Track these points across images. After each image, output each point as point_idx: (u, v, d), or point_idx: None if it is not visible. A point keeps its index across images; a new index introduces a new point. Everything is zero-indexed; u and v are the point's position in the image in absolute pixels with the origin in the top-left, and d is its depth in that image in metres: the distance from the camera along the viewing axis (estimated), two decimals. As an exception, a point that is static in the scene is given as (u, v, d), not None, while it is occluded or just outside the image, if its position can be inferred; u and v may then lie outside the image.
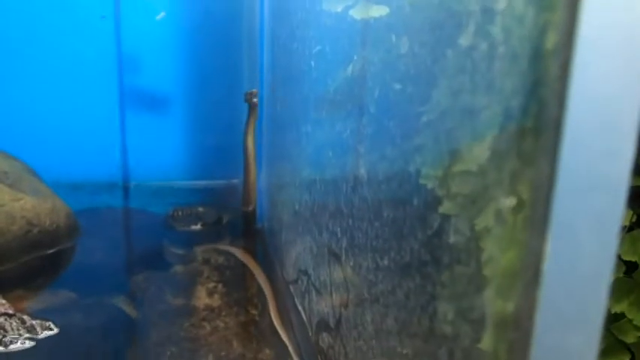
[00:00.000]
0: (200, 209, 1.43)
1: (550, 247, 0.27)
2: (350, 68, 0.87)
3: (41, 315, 0.95)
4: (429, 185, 0.67)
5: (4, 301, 0.93)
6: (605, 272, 0.28)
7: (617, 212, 0.28)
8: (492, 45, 0.42)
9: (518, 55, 0.39)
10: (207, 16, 1.55)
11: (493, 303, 0.35)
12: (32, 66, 1.51)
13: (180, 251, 1.20)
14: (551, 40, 0.28)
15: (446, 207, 0.53)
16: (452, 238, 0.41)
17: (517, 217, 0.32)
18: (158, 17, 1.53)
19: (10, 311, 0.92)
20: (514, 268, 0.31)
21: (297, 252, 0.93)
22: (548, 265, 0.27)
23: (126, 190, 1.63)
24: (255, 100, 1.31)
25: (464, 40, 0.55)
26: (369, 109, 0.79)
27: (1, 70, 1.50)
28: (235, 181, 1.63)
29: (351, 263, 0.63)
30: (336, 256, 0.69)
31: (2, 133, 1.45)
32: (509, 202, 0.33)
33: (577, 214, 0.27)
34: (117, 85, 1.56)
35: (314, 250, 0.80)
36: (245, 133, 1.36)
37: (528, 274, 0.28)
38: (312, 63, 0.79)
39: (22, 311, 0.95)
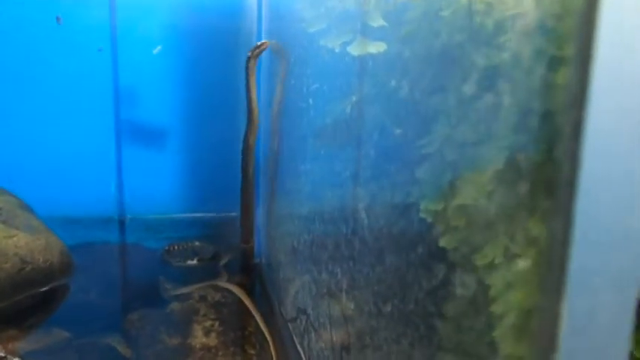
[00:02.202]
0: (196, 244, 1.41)
1: (567, 310, 0.26)
2: (347, 104, 0.86)
3: (34, 356, 0.93)
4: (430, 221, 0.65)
5: (-5, 343, 0.91)
6: (624, 334, 0.27)
7: (637, 269, 0.26)
8: (498, 97, 0.41)
9: (527, 109, 0.38)
10: (205, 50, 1.55)
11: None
12: (27, 99, 1.50)
13: (176, 288, 1.18)
14: (562, 96, 0.27)
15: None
16: (459, 291, 0.40)
17: (531, 278, 0.30)
18: (155, 51, 1.53)
19: (2, 353, 0.90)
20: (527, 328, 0.30)
21: (296, 290, 0.91)
22: (566, 330, 0.26)
23: (122, 224, 1.62)
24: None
25: (468, 89, 0.54)
26: (367, 144, 0.78)
27: (-4, 105, 1.49)
28: (233, 214, 1.62)
29: (352, 306, 0.62)
30: (336, 298, 0.67)
31: (-3, 167, 1.44)
32: (524, 263, 0.31)
33: (595, 272, 0.26)
34: (113, 118, 1.56)
35: (313, 290, 0.78)
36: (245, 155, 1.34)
37: (544, 339, 0.27)
38: (310, 101, 0.78)
39: (14, 353, 0.92)
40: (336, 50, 0.78)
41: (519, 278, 0.36)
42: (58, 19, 1.45)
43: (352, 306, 0.62)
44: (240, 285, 1.18)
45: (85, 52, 1.49)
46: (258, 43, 1.21)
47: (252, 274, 1.30)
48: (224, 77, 1.55)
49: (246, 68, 1.23)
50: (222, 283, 1.19)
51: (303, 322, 0.85)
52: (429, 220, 0.75)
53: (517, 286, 0.36)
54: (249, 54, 1.21)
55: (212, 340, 0.98)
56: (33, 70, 1.48)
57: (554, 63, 0.34)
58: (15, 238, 1.12)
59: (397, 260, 0.64)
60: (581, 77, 0.25)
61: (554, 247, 0.27)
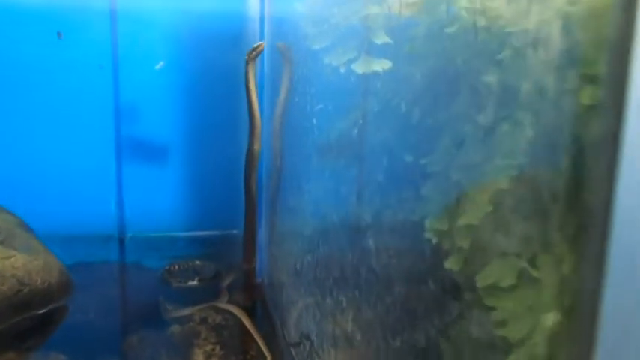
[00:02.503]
0: (197, 263, 1.38)
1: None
2: (351, 121, 0.84)
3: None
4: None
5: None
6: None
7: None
8: (519, 127, 0.39)
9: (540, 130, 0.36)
10: (207, 65, 1.53)
11: None
12: (27, 114, 1.48)
13: (176, 310, 1.16)
14: (594, 134, 0.25)
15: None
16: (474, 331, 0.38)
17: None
18: (157, 67, 1.51)
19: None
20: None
21: (299, 313, 0.89)
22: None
23: (121, 242, 1.59)
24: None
25: (483, 119, 0.53)
26: (371, 162, 0.76)
27: (-4, 122, 1.48)
28: (234, 231, 1.59)
29: (359, 337, 0.59)
30: (341, 327, 0.65)
31: (-5, 185, 1.42)
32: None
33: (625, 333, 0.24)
34: (114, 135, 1.54)
35: (317, 315, 0.75)
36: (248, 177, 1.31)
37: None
38: (314, 121, 0.76)
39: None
40: (341, 68, 0.77)
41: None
42: (59, 34, 1.44)
43: (359, 335, 0.60)
44: (242, 306, 1.15)
45: (85, 68, 1.47)
46: (255, 45, 1.20)
47: (254, 295, 1.28)
48: (226, 93, 1.53)
49: (245, 72, 1.21)
50: (223, 305, 1.16)
51: (307, 348, 0.82)
52: (435, 239, 0.72)
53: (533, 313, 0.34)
54: (246, 57, 1.20)
55: (213, 365, 0.96)
56: (33, 86, 1.46)
57: (581, 83, 0.32)
58: (13, 259, 1.09)
59: (404, 285, 0.62)
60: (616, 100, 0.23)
61: (585, 300, 0.25)
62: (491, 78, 0.70)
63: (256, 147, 1.25)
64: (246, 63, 1.20)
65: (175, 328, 1.07)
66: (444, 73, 0.77)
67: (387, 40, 0.74)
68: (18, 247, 1.15)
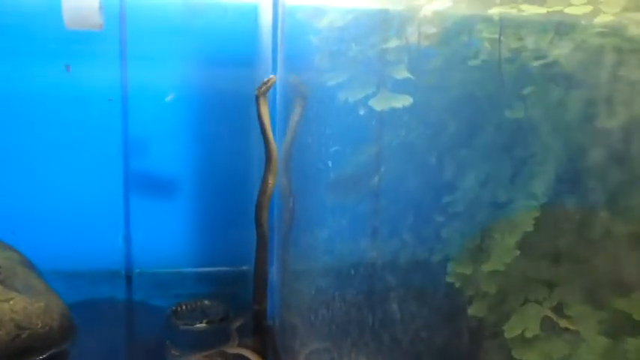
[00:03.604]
0: (206, 303, 1.33)
1: None
2: (367, 157, 0.79)
3: None
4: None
5: None
6: None
7: None
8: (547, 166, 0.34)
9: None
10: (218, 99, 1.50)
11: None
12: (33, 149, 1.45)
13: (183, 355, 1.10)
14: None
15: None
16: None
17: None
18: (168, 99, 1.48)
19: None
20: None
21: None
22: None
23: (128, 279, 1.54)
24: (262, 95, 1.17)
25: (508, 157, 0.48)
26: (386, 200, 0.72)
27: (2, 156, 1.44)
28: (245, 267, 1.54)
29: None
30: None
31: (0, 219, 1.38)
32: None
33: None
34: (122, 169, 1.50)
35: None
36: (259, 215, 1.25)
37: None
38: (330, 163, 0.71)
39: None
40: (358, 105, 0.72)
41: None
42: (67, 67, 1.41)
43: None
44: (256, 351, 1.09)
45: (94, 101, 1.44)
46: (265, 79, 1.16)
47: (265, 338, 1.21)
48: (237, 126, 1.49)
49: (257, 108, 1.17)
50: (238, 350, 1.10)
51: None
52: (458, 284, 0.66)
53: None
54: (257, 92, 1.16)
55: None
56: (41, 119, 1.43)
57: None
58: (12, 302, 1.04)
59: (424, 330, 0.57)
60: None
61: None
62: (516, 114, 0.65)
63: (271, 182, 1.20)
64: (257, 98, 1.15)
65: (181, 377, 1.01)
66: (465, 107, 0.72)
67: (408, 74, 0.69)
68: (18, 288, 1.10)
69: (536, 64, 0.64)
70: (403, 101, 0.72)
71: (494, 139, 0.61)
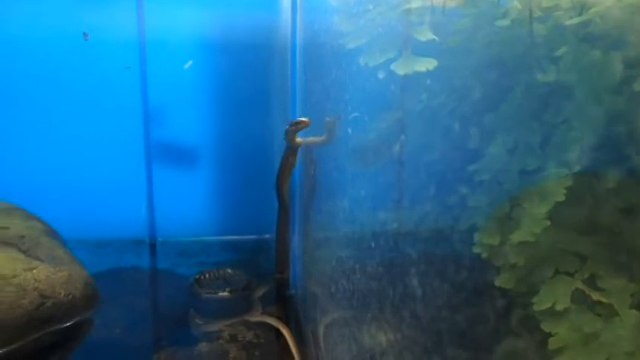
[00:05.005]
0: (228, 271, 1.32)
1: None
2: (390, 123, 0.76)
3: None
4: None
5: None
6: None
7: None
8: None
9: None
10: (238, 66, 1.47)
11: None
12: (55, 119, 1.45)
13: (207, 323, 1.10)
14: None
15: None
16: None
17: None
18: (186, 66, 1.45)
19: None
20: None
21: (335, 340, 0.81)
22: None
23: (152, 247, 1.55)
24: (297, 140, 1.13)
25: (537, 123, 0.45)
26: (410, 169, 0.69)
27: (24, 125, 1.44)
28: (267, 236, 1.53)
29: (401, 357, 0.52)
30: (381, 348, 0.57)
31: (24, 189, 1.38)
32: None
33: None
34: (143, 138, 1.49)
35: (353, 348, 0.68)
36: (280, 186, 1.23)
37: None
38: (349, 130, 0.68)
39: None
40: (378, 69, 0.69)
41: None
42: (85, 35, 1.39)
43: (401, 355, 0.53)
44: (278, 320, 1.09)
45: (112, 69, 1.43)
46: (298, 120, 1.09)
47: (287, 307, 1.21)
48: (257, 94, 1.46)
49: (287, 141, 1.13)
50: (263, 318, 1.10)
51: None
52: (484, 255, 0.64)
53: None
54: (288, 127, 1.11)
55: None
56: (59, 89, 1.43)
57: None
58: (35, 271, 1.05)
59: (447, 301, 0.55)
60: None
61: None
62: (548, 77, 0.61)
63: (291, 161, 1.17)
64: (286, 133, 1.11)
65: (203, 346, 1.00)
66: (492, 70, 0.68)
67: (432, 36, 0.66)
68: (42, 257, 1.11)
69: (570, 23, 0.60)
70: (427, 64, 0.69)
71: (523, 103, 0.58)
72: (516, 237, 0.57)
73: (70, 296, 1.08)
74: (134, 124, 1.47)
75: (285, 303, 1.23)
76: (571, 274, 0.54)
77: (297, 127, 1.09)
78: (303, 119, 1.07)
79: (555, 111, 0.58)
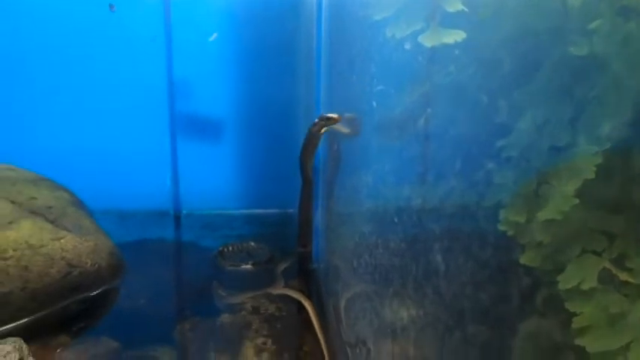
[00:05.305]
0: (252, 244, 1.33)
1: None
2: (415, 99, 0.75)
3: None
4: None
5: None
6: None
7: None
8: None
9: None
10: (263, 38, 1.46)
11: None
12: (81, 91, 1.46)
13: (230, 295, 1.11)
14: None
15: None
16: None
17: None
18: (211, 38, 1.45)
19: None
20: None
21: (356, 314, 0.81)
22: None
23: (177, 219, 1.56)
24: (323, 129, 1.09)
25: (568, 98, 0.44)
26: (436, 144, 0.68)
27: (50, 98, 1.45)
28: (290, 210, 1.54)
29: (422, 333, 0.52)
30: (400, 346, 0.57)
31: (51, 160, 1.40)
32: None
33: None
34: (168, 110, 1.50)
35: (374, 323, 0.68)
36: (304, 161, 1.22)
37: None
38: (374, 103, 0.67)
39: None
40: (405, 41, 0.67)
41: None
42: (111, 6, 1.39)
43: (422, 331, 0.52)
44: (301, 293, 1.09)
45: (138, 41, 1.43)
46: (329, 116, 1.04)
47: (310, 281, 1.21)
48: (283, 66, 1.45)
49: (311, 131, 1.11)
50: (286, 291, 1.11)
51: (364, 354, 0.75)
52: (510, 232, 0.63)
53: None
54: (316, 120, 1.08)
55: (263, 361, 0.90)
56: (85, 60, 1.43)
57: None
58: (62, 240, 1.07)
59: (471, 278, 0.54)
60: None
61: None
62: (580, 50, 0.59)
63: (315, 130, 1.15)
64: (314, 125, 1.09)
65: (226, 317, 1.02)
66: (523, 43, 0.66)
67: (461, 7, 0.64)
68: (69, 227, 1.12)
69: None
70: (455, 36, 0.67)
71: (554, 77, 0.56)
72: (543, 215, 0.56)
73: (97, 266, 1.09)
74: (159, 96, 1.47)
75: (308, 277, 1.23)
76: (598, 253, 0.53)
77: (327, 122, 1.05)
78: (334, 116, 1.03)
79: (588, 86, 0.56)
